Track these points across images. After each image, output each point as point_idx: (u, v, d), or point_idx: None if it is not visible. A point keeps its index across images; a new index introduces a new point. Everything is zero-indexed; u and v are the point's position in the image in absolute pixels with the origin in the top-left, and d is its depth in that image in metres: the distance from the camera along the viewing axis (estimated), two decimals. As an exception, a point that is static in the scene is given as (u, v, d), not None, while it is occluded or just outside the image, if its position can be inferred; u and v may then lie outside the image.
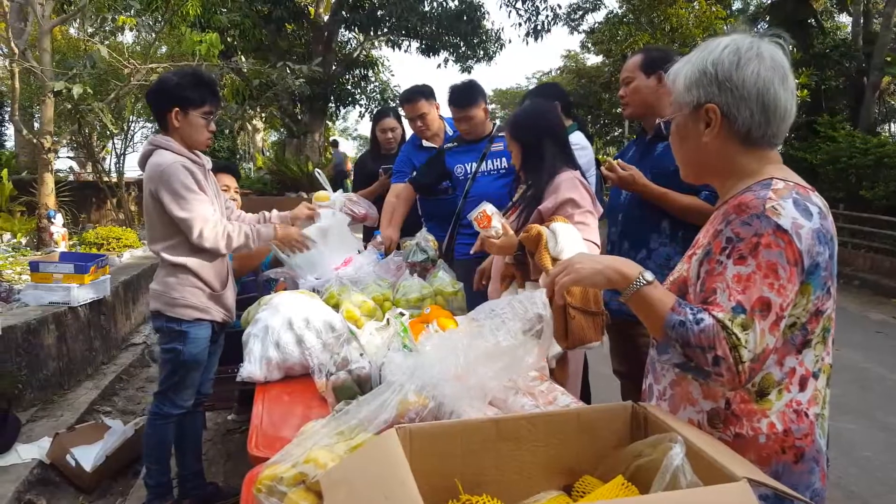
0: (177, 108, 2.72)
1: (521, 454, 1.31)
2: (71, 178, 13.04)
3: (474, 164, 3.64)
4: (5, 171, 8.70)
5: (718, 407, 1.36)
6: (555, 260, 2.09)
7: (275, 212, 3.25)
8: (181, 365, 2.83)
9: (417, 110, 3.89)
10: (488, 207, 2.48)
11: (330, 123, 24.12)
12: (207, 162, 2.90)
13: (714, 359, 1.21)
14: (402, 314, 2.55)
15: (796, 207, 1.28)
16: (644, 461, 1.23)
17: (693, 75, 1.37)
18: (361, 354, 1.93)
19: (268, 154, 24.68)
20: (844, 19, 20.20)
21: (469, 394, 1.49)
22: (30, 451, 3.45)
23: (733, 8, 18.81)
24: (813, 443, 1.35)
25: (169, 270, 2.79)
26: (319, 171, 3.90)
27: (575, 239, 2.21)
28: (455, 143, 3.80)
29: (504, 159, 3.56)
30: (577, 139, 3.28)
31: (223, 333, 3.07)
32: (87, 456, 3.40)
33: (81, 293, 4.58)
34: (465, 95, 3.59)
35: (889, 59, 13.76)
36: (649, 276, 1.32)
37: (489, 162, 3.63)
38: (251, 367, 2.22)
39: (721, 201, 1.44)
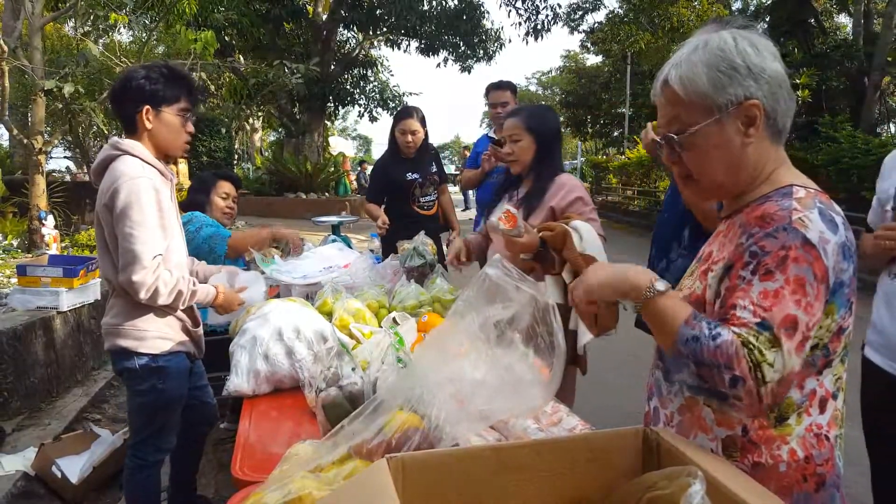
0: (147, 107, 2.29)
1: (524, 485, 1.21)
2: (67, 178, 12.91)
3: None
4: (-1, 172, 8.60)
5: (734, 434, 1.25)
6: (582, 256, 2.17)
7: (215, 271, 2.77)
8: (163, 406, 2.46)
9: (501, 98, 4.32)
10: (511, 208, 2.42)
11: (329, 123, 24.01)
12: (174, 177, 2.49)
13: (732, 379, 1.10)
14: (395, 322, 2.44)
15: (822, 219, 1.17)
16: (657, 494, 1.13)
17: (721, 72, 1.22)
18: (353, 369, 1.82)
19: (266, 154, 24.57)
20: (844, 20, 20.18)
21: (469, 416, 1.38)
22: (14, 463, 3.34)
23: (734, 7, 18.76)
24: (833, 468, 1.26)
25: (130, 301, 2.34)
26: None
27: (594, 236, 2.33)
28: None
29: None
30: None
31: (199, 361, 2.75)
32: (73, 467, 3.28)
33: (70, 297, 4.47)
34: None
35: (891, 58, 13.69)
36: (661, 285, 1.21)
37: None
38: (238, 380, 2.12)
39: (731, 210, 1.33)
